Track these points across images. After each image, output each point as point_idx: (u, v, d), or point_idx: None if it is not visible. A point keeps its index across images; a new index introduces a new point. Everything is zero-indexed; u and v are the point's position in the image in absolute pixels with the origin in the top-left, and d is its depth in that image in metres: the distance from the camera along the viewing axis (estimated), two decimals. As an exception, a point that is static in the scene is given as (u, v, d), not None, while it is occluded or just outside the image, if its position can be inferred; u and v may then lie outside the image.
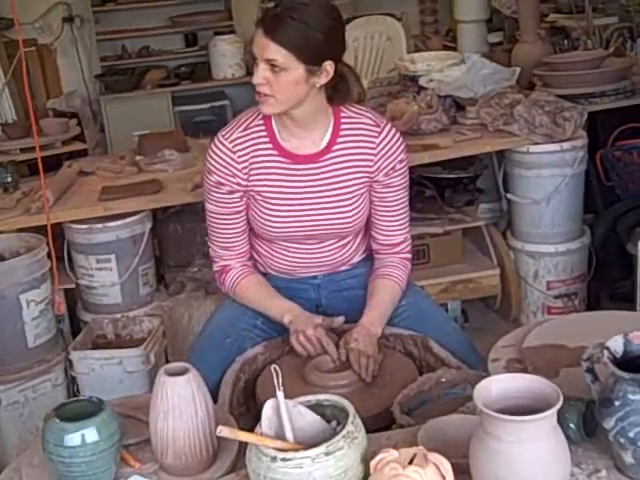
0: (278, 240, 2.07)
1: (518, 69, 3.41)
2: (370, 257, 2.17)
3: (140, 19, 5.93)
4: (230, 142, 1.97)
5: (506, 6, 4.78)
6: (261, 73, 1.85)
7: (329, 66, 1.87)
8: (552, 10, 4.80)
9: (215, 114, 5.41)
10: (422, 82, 3.37)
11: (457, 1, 4.52)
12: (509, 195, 3.20)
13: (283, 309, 2.00)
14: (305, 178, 1.99)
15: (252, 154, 1.97)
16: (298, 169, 1.99)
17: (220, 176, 1.98)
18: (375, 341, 1.90)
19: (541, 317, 3.16)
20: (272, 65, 1.83)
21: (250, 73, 1.97)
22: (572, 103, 3.09)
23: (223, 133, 1.99)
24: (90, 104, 5.62)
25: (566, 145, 3.00)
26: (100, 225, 2.83)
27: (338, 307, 2.12)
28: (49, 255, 2.57)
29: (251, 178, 1.98)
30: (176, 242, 3.11)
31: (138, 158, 3.23)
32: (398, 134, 2.02)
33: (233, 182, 1.98)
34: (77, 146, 4.05)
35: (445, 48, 4.85)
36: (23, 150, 3.71)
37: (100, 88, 5.69)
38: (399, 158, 2.00)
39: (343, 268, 2.15)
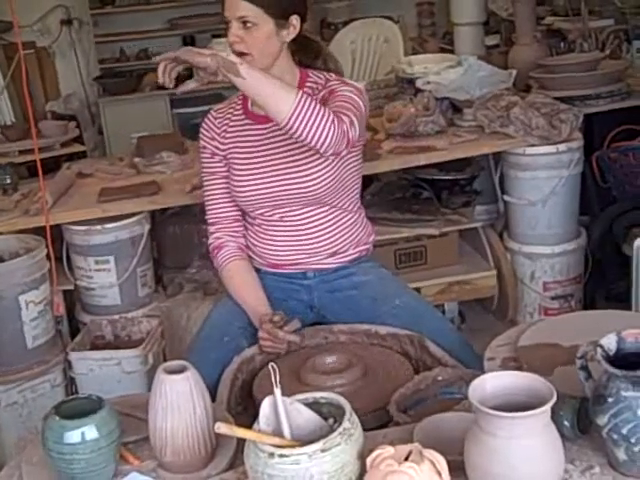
0: (253, 209, 2.13)
1: (514, 71, 3.42)
2: (361, 258, 2.19)
3: (138, 22, 5.95)
4: (214, 112, 2.21)
5: (503, 9, 4.79)
6: (235, 31, 1.97)
7: (295, 20, 2.01)
8: (548, 13, 4.82)
9: (213, 116, 5.41)
10: (419, 84, 3.38)
11: (454, 4, 4.52)
12: (505, 197, 3.20)
13: (253, 314, 2.06)
14: (269, 139, 2.08)
15: (227, 120, 2.17)
16: (263, 129, 2.09)
17: (204, 140, 2.19)
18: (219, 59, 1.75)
19: (538, 318, 3.17)
20: (244, 22, 1.95)
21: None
22: (568, 105, 3.10)
23: (213, 107, 2.24)
24: (89, 106, 5.62)
25: (562, 147, 3.01)
26: (99, 226, 2.84)
27: (330, 308, 2.15)
28: (48, 256, 2.58)
29: (227, 141, 2.14)
30: (174, 244, 3.12)
31: (136, 160, 3.24)
32: (353, 84, 2.06)
33: (212, 145, 2.17)
34: (76, 148, 4.06)
35: (442, 51, 4.85)
36: (22, 152, 3.72)
37: (98, 90, 5.70)
38: (341, 87, 2.01)
39: (333, 266, 2.16)
